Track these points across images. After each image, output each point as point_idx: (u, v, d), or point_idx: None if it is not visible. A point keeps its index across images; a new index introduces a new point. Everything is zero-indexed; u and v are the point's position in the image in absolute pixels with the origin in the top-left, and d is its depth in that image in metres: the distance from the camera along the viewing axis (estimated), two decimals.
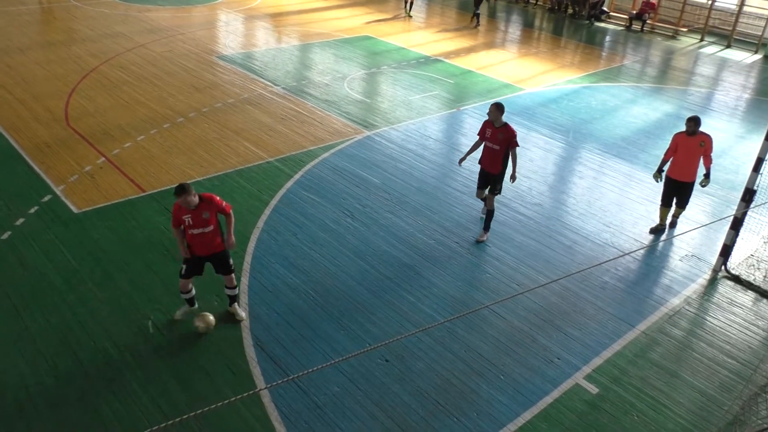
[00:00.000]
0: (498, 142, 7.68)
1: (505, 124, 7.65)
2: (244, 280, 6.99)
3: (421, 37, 17.63)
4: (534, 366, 6.05)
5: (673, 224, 8.67)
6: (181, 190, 5.66)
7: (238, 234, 7.77)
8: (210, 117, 11.22)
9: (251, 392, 5.46)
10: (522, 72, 15.10)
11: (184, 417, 3.58)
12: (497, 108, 7.58)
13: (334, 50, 15.78)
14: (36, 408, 5.25)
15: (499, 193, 8.05)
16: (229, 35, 16.76)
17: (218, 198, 5.97)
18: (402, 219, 8.46)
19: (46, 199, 8.31)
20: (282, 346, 6.06)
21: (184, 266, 6.06)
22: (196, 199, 5.77)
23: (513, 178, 7.88)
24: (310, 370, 4.84)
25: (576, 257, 7.90)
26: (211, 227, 5.89)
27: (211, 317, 6.22)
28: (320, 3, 21.18)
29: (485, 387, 5.76)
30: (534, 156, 10.66)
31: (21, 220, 7.79)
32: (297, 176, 9.39)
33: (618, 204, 9.32)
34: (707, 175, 8.11)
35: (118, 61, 13.86)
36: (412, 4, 20.15)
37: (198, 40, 15.79)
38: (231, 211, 6.08)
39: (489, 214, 8.08)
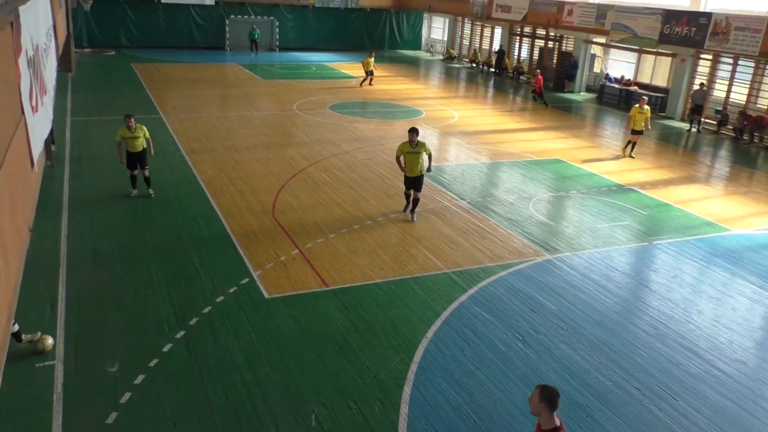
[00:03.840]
0: None
1: None
2: (407, 389, 6.96)
3: (615, 164, 17.17)
4: None
5: None
6: None
7: (407, 341, 7.90)
8: (395, 223, 11.80)
9: None
10: (728, 211, 13.87)
11: None
12: None
13: (522, 170, 15.97)
14: None
15: None
16: None
17: None
18: (577, 352, 7.94)
19: (244, 281, 9.22)
20: None
21: None
22: None
23: None
24: None
25: None
26: None
27: (49, 341, 7.18)
28: (514, 125, 21.82)
29: None
30: (738, 305, 9.51)
31: (221, 298, 8.69)
32: (471, 291, 9.36)
33: None
34: None
35: (324, 164, 15.36)
36: (634, 144, 17.87)
37: (395, 151, 16.97)
38: None
39: None
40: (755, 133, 20.86)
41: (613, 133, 21.73)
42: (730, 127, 22.02)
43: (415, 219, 12.01)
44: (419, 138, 11.87)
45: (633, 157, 17.78)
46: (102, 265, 9.54)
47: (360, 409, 6.60)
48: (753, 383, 7.58)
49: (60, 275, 9.09)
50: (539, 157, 17.29)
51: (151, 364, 7.14)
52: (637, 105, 17.77)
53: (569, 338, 8.26)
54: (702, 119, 22.13)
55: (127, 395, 6.59)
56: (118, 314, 8.20)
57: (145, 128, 12.22)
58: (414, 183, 11.98)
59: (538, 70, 26.89)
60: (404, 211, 12.39)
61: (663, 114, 24.90)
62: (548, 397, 4.28)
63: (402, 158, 11.89)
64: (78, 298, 8.46)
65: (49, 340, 7.23)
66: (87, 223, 10.99)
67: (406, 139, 11.95)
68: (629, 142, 17.97)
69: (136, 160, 12.18)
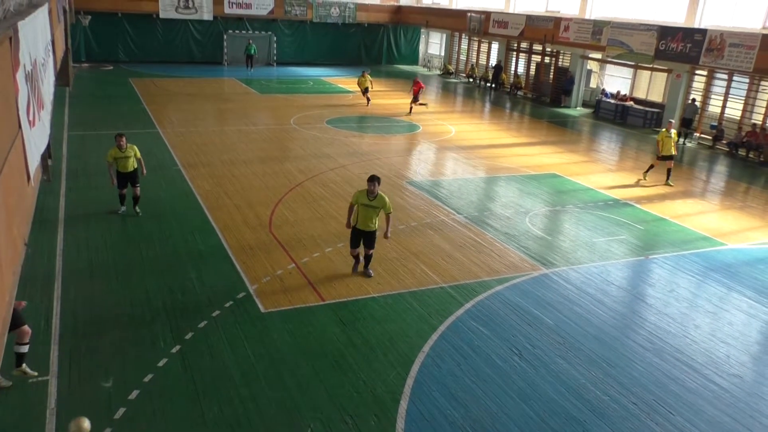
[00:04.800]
0: None
1: None
2: (403, 404, 6.92)
3: (612, 179, 17.22)
4: None
5: None
6: None
7: (403, 356, 7.87)
8: (392, 237, 11.76)
9: None
10: (724, 225, 13.91)
11: None
12: None
13: (519, 185, 16.02)
14: None
15: None
16: (421, 163, 17.88)
17: None
18: (574, 367, 7.91)
19: (240, 295, 9.19)
20: None
21: None
22: None
23: None
24: None
25: None
26: None
27: (87, 424, 5.21)
28: (511, 139, 21.92)
29: None
30: (734, 320, 9.51)
31: (217, 312, 8.66)
32: (468, 305, 9.35)
33: None
34: None
35: (321, 178, 15.39)
36: (669, 171, 16.77)
37: (392, 165, 17.05)
38: None
39: None
40: (751, 150, 20.96)
41: (609, 147, 21.86)
42: (725, 141, 22.16)
43: (372, 274, 9.95)
44: (380, 191, 9.54)
45: (671, 185, 16.71)
46: (97, 279, 9.51)
47: (356, 423, 6.56)
48: (750, 398, 7.56)
49: (55, 289, 9.06)
50: (536, 172, 17.35)
51: (146, 379, 7.09)
52: (663, 129, 16.92)
53: (566, 353, 8.23)
54: (697, 134, 22.23)
55: (122, 411, 6.54)
56: (113, 329, 8.16)
57: (136, 148, 11.90)
58: (365, 238, 9.70)
59: (417, 77, 28.43)
60: (354, 270, 10.07)
61: (658, 129, 25.02)
62: None
63: (356, 208, 9.68)
64: (73, 313, 8.42)
65: (86, 423, 5.32)
66: (83, 238, 10.97)
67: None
68: (653, 167, 16.99)
69: (128, 179, 11.89)
